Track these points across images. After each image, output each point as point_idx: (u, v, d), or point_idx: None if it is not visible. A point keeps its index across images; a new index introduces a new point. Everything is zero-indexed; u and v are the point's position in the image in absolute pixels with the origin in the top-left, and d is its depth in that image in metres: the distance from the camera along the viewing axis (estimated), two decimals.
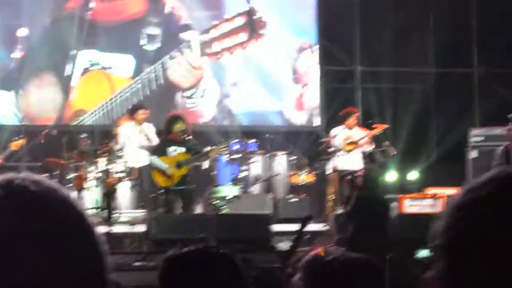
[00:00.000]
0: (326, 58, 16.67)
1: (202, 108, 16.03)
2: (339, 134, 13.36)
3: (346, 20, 16.69)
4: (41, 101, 15.37)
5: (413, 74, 17.17)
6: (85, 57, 15.53)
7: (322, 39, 16.60)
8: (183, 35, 15.80)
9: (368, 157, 13.80)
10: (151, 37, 15.79)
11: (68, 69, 15.47)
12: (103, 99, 15.65)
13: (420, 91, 17.06)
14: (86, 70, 15.58)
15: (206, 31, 15.65)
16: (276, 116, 16.39)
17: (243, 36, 15.44)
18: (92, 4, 15.57)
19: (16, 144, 12.64)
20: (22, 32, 15.35)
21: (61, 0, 15.61)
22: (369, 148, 13.55)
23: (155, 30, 15.82)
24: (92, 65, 15.60)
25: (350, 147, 13.32)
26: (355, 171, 12.50)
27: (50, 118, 15.27)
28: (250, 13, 15.59)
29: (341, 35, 16.68)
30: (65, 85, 15.50)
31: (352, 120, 13.42)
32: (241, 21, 15.50)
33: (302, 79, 16.57)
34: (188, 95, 15.97)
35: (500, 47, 16.55)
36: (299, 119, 16.54)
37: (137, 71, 15.75)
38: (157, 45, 15.82)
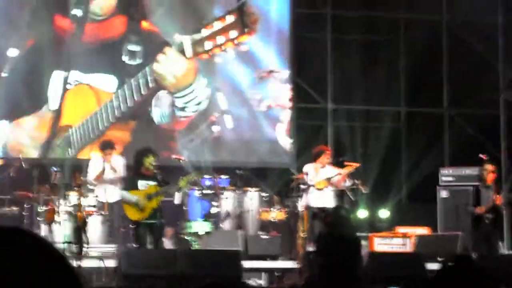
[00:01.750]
0: (297, 96, 16.77)
1: (190, 115, 16.13)
2: (311, 171, 13.41)
3: (318, 58, 16.83)
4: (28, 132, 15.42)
5: (384, 112, 17.30)
6: (68, 77, 15.59)
7: (294, 76, 16.70)
8: (175, 37, 15.90)
9: (340, 195, 13.85)
10: (132, 53, 15.91)
11: (51, 89, 15.51)
12: (89, 112, 15.70)
13: (391, 129, 17.18)
14: (67, 89, 15.63)
15: (197, 30, 15.74)
16: (269, 145, 16.43)
17: (234, 33, 15.49)
18: (86, 28, 15.70)
19: None
20: (12, 52, 15.39)
21: (47, 20, 15.64)
22: (344, 185, 13.59)
23: (135, 47, 15.95)
24: (75, 84, 15.67)
25: (322, 185, 13.37)
26: (326, 209, 12.55)
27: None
28: (240, 9, 15.66)
29: (313, 73, 16.80)
30: (49, 106, 15.56)
31: (324, 158, 13.50)
32: (231, 18, 15.53)
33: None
34: (179, 98, 16.02)
35: (470, 88, 16.79)
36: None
37: (119, 89, 15.86)
38: (138, 60, 15.94)
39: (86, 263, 11.52)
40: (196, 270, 10.59)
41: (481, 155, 13.24)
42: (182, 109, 16.11)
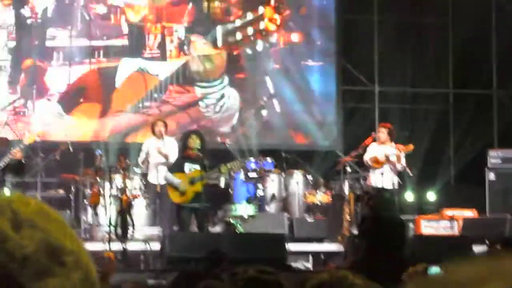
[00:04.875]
0: (344, 78, 16.65)
1: (221, 116, 16.07)
2: (369, 152, 12.89)
3: (365, 40, 16.67)
4: None
5: (431, 94, 17.11)
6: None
7: (340, 59, 16.58)
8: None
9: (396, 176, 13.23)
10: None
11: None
12: (138, 98, 15.73)
13: (439, 111, 16.98)
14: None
15: (229, 20, 15.80)
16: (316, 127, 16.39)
17: (263, 25, 15.59)
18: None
19: (30, 137, 11.75)
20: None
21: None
22: (401, 166, 12.94)
23: None
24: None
25: (377, 165, 12.85)
26: (370, 192, 12.37)
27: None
28: (274, 2, 15.78)
29: (360, 55, 16.67)
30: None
31: (380, 133, 12.94)
32: (262, 9, 15.66)
33: None
34: (207, 93, 15.99)
35: None
36: None
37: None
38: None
39: (131, 246, 11.58)
40: (241, 253, 10.55)
41: None
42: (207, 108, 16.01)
